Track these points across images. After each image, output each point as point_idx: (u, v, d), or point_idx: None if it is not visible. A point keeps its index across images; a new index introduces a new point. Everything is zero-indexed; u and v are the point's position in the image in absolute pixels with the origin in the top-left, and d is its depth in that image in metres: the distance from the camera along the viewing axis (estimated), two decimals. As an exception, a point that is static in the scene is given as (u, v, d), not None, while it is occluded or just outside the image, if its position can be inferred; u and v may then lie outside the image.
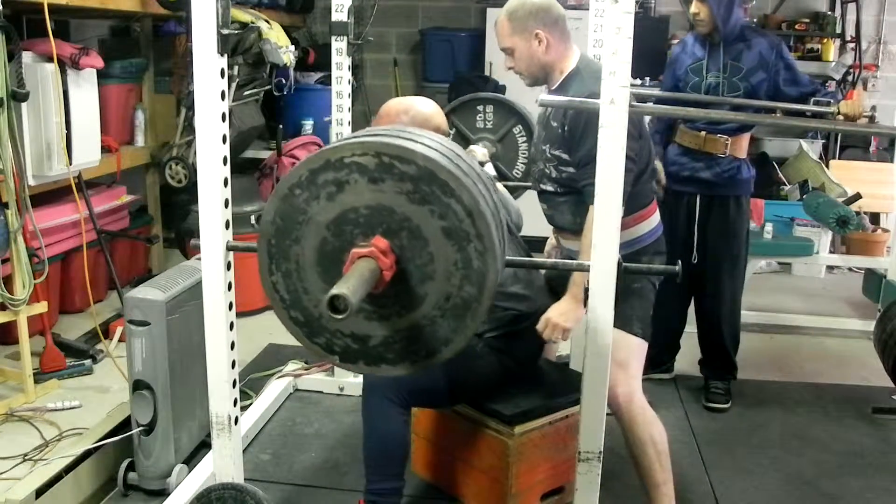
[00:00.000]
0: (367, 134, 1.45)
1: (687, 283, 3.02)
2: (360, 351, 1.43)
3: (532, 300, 2.34)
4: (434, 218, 1.32)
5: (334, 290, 1.19)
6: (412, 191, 1.31)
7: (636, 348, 2.25)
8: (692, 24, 3.10)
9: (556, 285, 2.37)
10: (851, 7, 5.48)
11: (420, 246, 1.33)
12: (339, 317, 1.19)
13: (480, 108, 2.94)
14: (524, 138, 2.93)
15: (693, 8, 3.02)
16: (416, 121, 2.22)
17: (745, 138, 3.14)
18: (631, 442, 2.23)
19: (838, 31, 5.53)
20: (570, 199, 2.25)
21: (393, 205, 1.33)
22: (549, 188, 2.29)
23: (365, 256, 1.31)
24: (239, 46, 3.99)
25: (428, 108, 2.30)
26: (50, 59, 3.03)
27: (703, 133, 3.11)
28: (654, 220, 2.35)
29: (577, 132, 2.15)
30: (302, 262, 1.40)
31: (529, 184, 2.55)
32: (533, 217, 2.56)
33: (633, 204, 2.17)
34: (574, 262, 1.90)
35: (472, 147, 2.84)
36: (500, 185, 2.63)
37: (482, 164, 2.71)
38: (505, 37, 2.23)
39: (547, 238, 2.63)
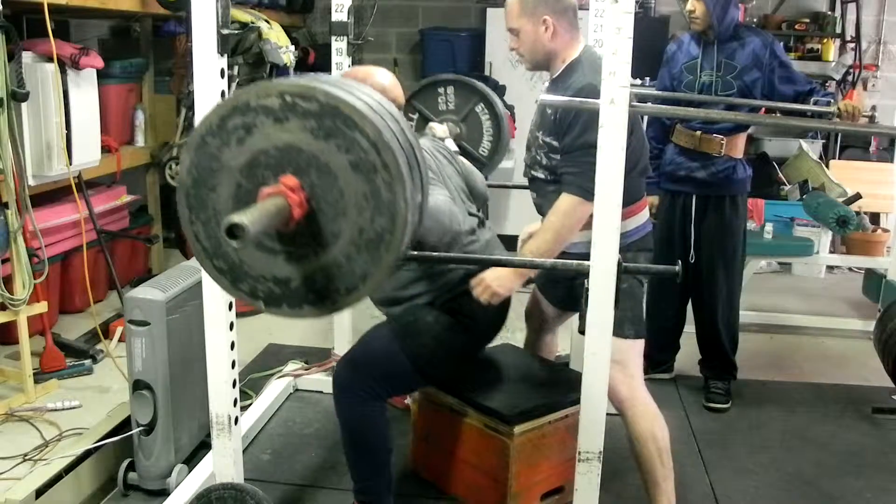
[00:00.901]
0: (276, 80, 1.47)
1: (684, 282, 3.03)
2: (282, 294, 1.44)
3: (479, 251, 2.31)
4: (340, 153, 1.33)
5: (232, 218, 1.20)
6: (316, 127, 1.33)
7: (631, 349, 2.25)
8: (688, 22, 3.10)
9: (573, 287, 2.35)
10: (851, 7, 5.49)
11: (329, 182, 1.35)
12: (235, 243, 1.21)
13: (441, 90, 2.93)
14: (487, 116, 2.91)
15: (689, 5, 3.02)
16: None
17: (740, 138, 3.14)
18: (633, 438, 2.24)
19: (838, 31, 5.53)
20: (559, 188, 2.24)
21: (300, 143, 1.34)
22: (540, 175, 2.29)
23: (273, 194, 1.33)
24: (239, 46, 3.99)
25: (386, 79, 2.28)
26: (50, 59, 3.03)
27: (699, 133, 3.11)
28: (643, 216, 2.35)
29: (567, 119, 2.15)
30: (219, 210, 1.41)
31: (528, 140, 2.52)
32: (517, 214, 2.54)
33: (624, 197, 2.16)
34: (574, 262, 1.89)
35: (431, 124, 2.83)
36: (462, 159, 2.61)
37: (441, 139, 2.70)
38: (513, 17, 2.23)
39: None
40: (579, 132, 2.11)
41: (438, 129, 2.79)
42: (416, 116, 2.93)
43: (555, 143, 2.21)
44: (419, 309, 2.26)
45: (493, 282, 2.15)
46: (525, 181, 2.45)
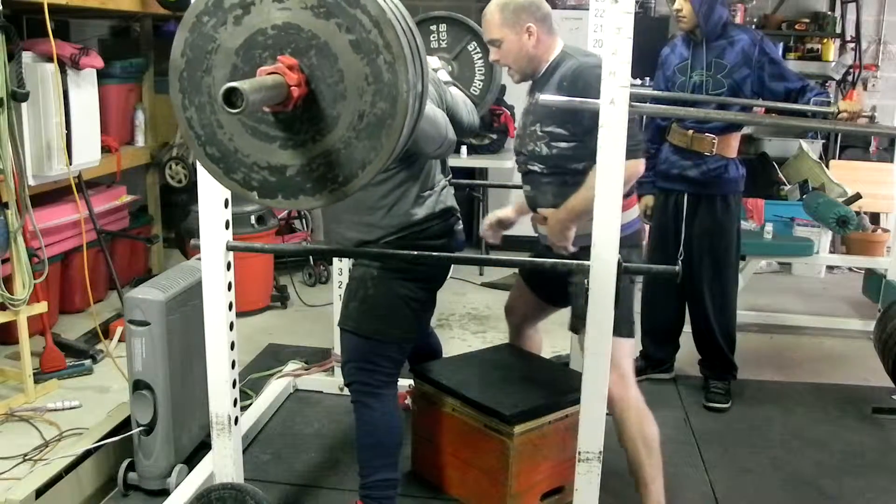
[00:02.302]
0: None
1: (681, 281, 3.03)
2: (277, 183, 1.39)
3: (430, 204, 2.26)
4: (341, 32, 1.29)
5: (231, 84, 1.16)
6: (317, 5, 1.29)
7: (623, 348, 2.26)
8: (675, 21, 3.11)
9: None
10: (851, 7, 5.49)
11: (329, 63, 1.30)
12: (234, 111, 1.16)
13: (434, 27, 2.90)
14: (479, 55, 2.88)
15: (676, 4, 3.03)
16: None
17: (733, 137, 3.14)
18: (623, 439, 2.24)
19: (838, 31, 5.54)
20: (555, 180, 2.26)
21: (300, 22, 1.30)
22: (536, 168, 2.30)
23: (270, 73, 1.28)
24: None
25: None
26: (50, 59, 3.04)
27: (691, 132, 3.12)
28: (633, 213, 2.36)
29: (576, 95, 2.14)
30: (214, 94, 1.35)
31: (515, 147, 2.52)
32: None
33: None
34: (574, 262, 1.89)
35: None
36: (453, 88, 2.60)
37: (435, 70, 2.69)
38: (495, 28, 2.23)
39: (536, 238, 2.54)
40: (593, 111, 2.10)
41: (431, 60, 2.77)
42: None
43: (559, 131, 2.21)
44: (370, 283, 2.21)
45: (557, 235, 2.19)
46: None
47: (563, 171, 2.24)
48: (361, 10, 1.27)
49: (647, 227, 3.04)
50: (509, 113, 5.05)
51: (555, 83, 2.22)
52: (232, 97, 1.16)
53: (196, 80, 1.37)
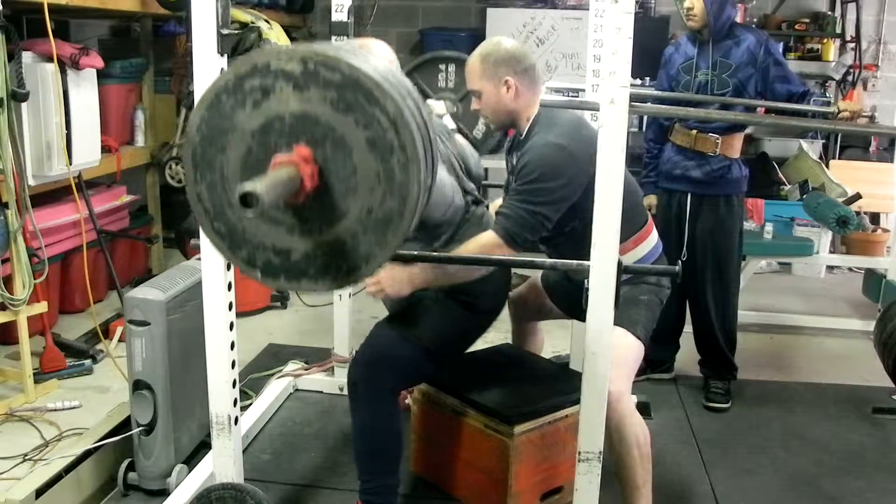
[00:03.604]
0: (299, 45, 1.43)
1: (682, 282, 3.04)
2: (281, 265, 1.40)
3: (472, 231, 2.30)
4: (358, 128, 1.29)
5: (246, 186, 1.17)
6: (337, 99, 1.29)
7: (636, 349, 2.26)
8: (685, 19, 3.10)
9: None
10: (851, 7, 5.49)
11: (343, 157, 1.31)
12: (249, 212, 1.17)
13: (443, 66, 2.92)
14: None
15: (687, 3, 3.02)
16: None
17: (736, 138, 3.15)
18: (616, 441, 2.22)
19: (838, 31, 5.53)
20: (549, 244, 2.31)
21: (318, 113, 1.30)
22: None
23: (285, 164, 1.29)
24: (239, 46, 3.98)
25: (383, 51, 2.30)
26: (50, 59, 3.03)
27: (695, 132, 3.12)
28: (653, 240, 2.37)
29: (519, 166, 2.18)
30: (227, 173, 1.37)
31: (485, 146, 2.54)
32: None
33: (628, 227, 2.16)
34: (574, 262, 1.90)
35: (429, 101, 2.82)
36: (459, 137, 2.61)
37: (440, 116, 2.70)
38: (475, 79, 2.25)
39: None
40: (529, 179, 2.13)
41: (437, 106, 2.78)
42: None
43: None
44: (419, 295, 2.25)
45: (387, 282, 2.16)
46: None
47: (560, 232, 2.25)
48: (380, 109, 1.28)
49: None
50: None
51: (525, 158, 2.20)
52: (247, 199, 1.17)
53: (209, 156, 1.38)
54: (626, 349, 2.19)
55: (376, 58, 1.42)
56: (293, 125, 1.32)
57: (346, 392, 2.30)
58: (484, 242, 2.15)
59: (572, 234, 2.23)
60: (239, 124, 1.35)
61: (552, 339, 3.24)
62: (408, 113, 1.29)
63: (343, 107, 1.29)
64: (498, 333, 2.72)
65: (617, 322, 1.86)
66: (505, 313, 2.56)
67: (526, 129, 2.26)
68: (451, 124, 2.74)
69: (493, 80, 2.21)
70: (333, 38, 2.91)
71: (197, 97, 1.86)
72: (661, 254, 2.41)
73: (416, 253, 2.09)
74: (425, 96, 2.90)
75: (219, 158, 1.37)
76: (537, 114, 2.25)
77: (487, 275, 2.25)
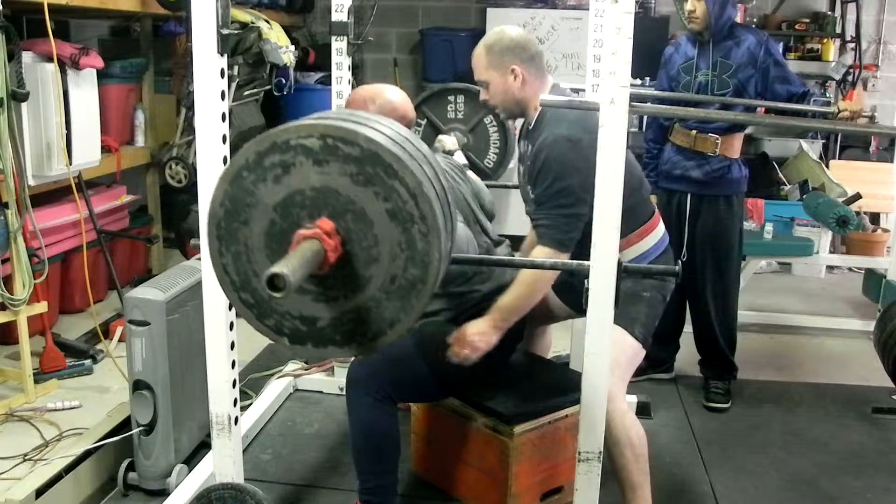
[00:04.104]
0: (315, 117, 1.46)
1: (682, 281, 3.04)
2: (308, 333, 1.44)
3: (495, 278, 2.32)
4: (378, 200, 1.33)
5: (273, 269, 1.20)
6: (356, 173, 1.32)
7: (631, 349, 2.25)
8: (685, 21, 3.11)
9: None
10: (851, 7, 5.49)
11: (365, 228, 1.34)
12: (278, 295, 1.20)
13: (452, 98, 2.94)
14: (495, 128, 2.92)
15: (689, 5, 3.02)
16: (383, 109, 2.23)
17: (736, 138, 3.15)
18: (609, 442, 2.21)
19: (838, 31, 5.53)
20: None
21: (338, 187, 1.34)
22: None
23: (309, 238, 1.32)
24: (239, 46, 3.99)
25: (396, 96, 2.31)
26: (50, 59, 3.03)
27: (694, 132, 3.12)
28: (659, 232, 2.36)
29: (535, 169, 2.17)
30: (250, 245, 1.40)
31: (520, 193, 2.54)
32: (518, 214, 2.56)
33: (632, 220, 2.17)
34: (574, 262, 1.90)
35: (441, 137, 2.83)
36: (471, 174, 2.62)
37: (451, 153, 2.70)
38: (481, 70, 2.25)
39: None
40: (550, 182, 2.13)
41: (448, 141, 2.79)
42: (423, 122, 2.93)
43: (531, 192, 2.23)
44: (443, 323, 2.26)
45: (475, 336, 2.16)
46: None
47: None
48: (399, 182, 1.31)
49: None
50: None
51: (534, 151, 2.20)
52: (276, 281, 1.20)
53: (233, 229, 1.41)
54: (621, 349, 2.18)
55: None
56: (315, 198, 1.35)
57: (344, 392, 2.30)
58: (540, 258, 2.14)
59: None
60: (261, 198, 1.38)
61: (552, 339, 3.23)
62: (427, 183, 1.32)
63: (363, 180, 1.33)
64: (498, 333, 2.74)
65: (615, 320, 1.86)
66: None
67: (535, 117, 2.26)
68: (463, 159, 2.75)
69: (499, 69, 2.21)
70: (333, 38, 2.91)
71: (198, 110, 1.87)
72: (668, 246, 2.39)
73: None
74: (436, 130, 2.92)
75: (242, 231, 1.41)
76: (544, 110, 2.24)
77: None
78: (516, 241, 2.86)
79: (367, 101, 2.28)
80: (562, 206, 2.11)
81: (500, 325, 2.18)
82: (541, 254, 2.14)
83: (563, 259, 2.11)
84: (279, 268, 1.20)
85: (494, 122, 2.92)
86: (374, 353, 1.46)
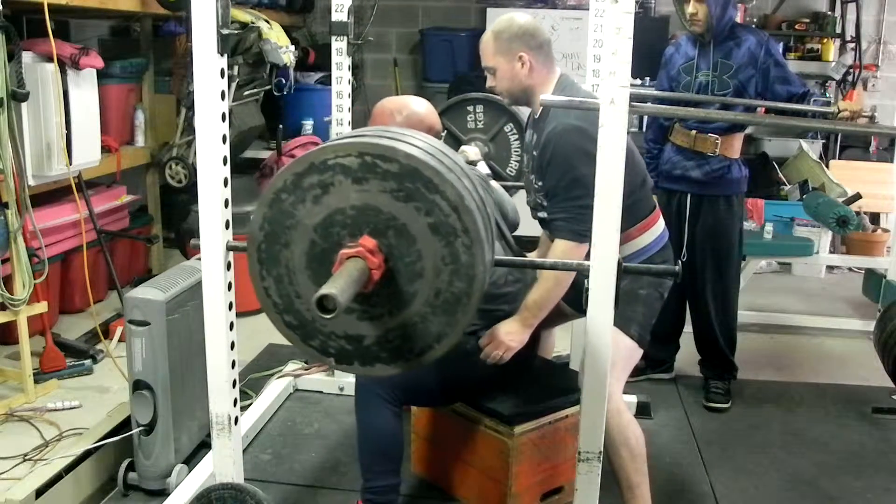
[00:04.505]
0: (351, 135, 1.46)
1: (682, 281, 3.04)
2: (354, 352, 1.43)
3: (523, 297, 2.31)
4: (420, 215, 1.32)
5: (322, 291, 1.20)
6: (396, 189, 1.32)
7: (627, 350, 2.25)
8: (686, 23, 3.10)
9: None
10: (851, 7, 5.49)
11: (408, 244, 1.34)
12: (328, 316, 1.20)
13: (471, 108, 2.94)
14: (516, 136, 2.93)
15: (691, 8, 3.02)
16: (410, 121, 2.23)
17: (736, 138, 3.15)
18: (606, 441, 2.21)
19: (838, 31, 5.53)
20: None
21: (378, 204, 1.33)
22: (543, 215, 2.30)
23: (353, 257, 1.31)
24: (239, 46, 3.99)
25: (421, 107, 2.31)
26: (50, 59, 3.03)
27: (694, 132, 3.12)
28: (659, 228, 2.35)
29: (545, 161, 2.16)
30: (292, 266, 1.40)
31: (523, 183, 2.54)
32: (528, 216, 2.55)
33: (632, 215, 2.17)
34: (574, 262, 1.89)
35: (463, 147, 2.84)
36: (494, 183, 2.62)
37: (474, 163, 2.70)
38: (489, 56, 2.24)
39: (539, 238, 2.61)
40: (560, 173, 2.12)
41: (471, 152, 2.79)
42: (444, 133, 2.93)
43: (541, 184, 2.22)
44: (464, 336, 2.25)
45: (506, 337, 2.18)
46: None
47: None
48: (441, 196, 1.31)
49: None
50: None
51: (542, 140, 2.20)
52: (325, 302, 1.20)
53: (274, 252, 1.41)
54: (617, 349, 2.16)
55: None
56: (355, 217, 1.35)
57: (346, 392, 2.31)
58: (560, 253, 2.13)
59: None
60: (301, 219, 1.38)
61: (554, 339, 3.24)
62: (468, 196, 1.32)
63: (403, 196, 1.32)
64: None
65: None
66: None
67: (541, 109, 2.25)
68: (486, 169, 2.75)
69: (506, 55, 2.20)
70: (333, 38, 2.91)
71: (198, 109, 1.86)
72: (668, 242, 2.39)
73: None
74: (457, 140, 2.92)
75: (283, 253, 1.40)
76: (552, 93, 2.23)
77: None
78: (526, 243, 2.87)
79: (393, 112, 2.28)
80: (577, 198, 2.08)
81: (531, 321, 2.19)
82: (560, 247, 2.13)
83: (583, 252, 2.10)
84: (328, 289, 1.20)
85: (514, 130, 2.92)
86: (422, 368, 1.44)
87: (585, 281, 1.79)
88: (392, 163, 1.31)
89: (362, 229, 1.34)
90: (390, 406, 2.21)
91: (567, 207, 2.12)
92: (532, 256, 2.61)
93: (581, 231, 2.09)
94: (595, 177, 2.05)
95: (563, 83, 2.27)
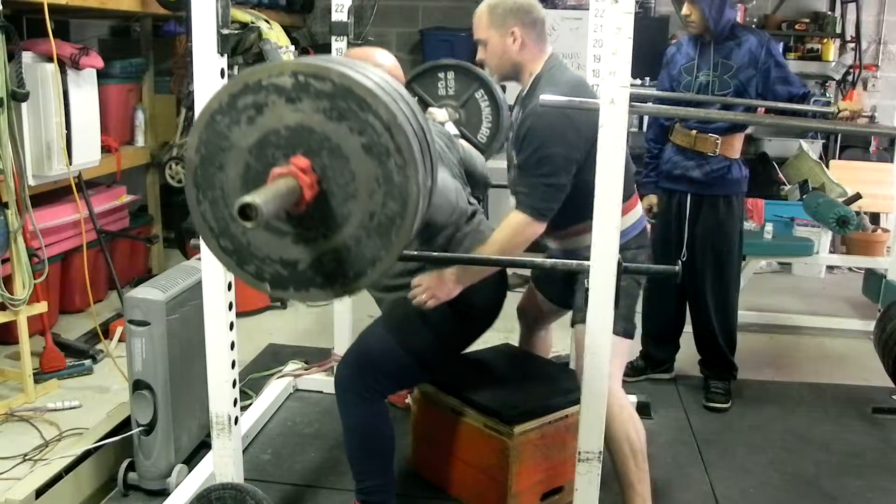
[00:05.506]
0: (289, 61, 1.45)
1: (682, 282, 3.04)
2: (289, 276, 1.42)
3: (463, 249, 2.29)
4: (353, 135, 1.31)
5: (245, 199, 1.19)
6: (329, 108, 1.31)
7: (615, 346, 2.24)
8: (684, 25, 3.11)
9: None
10: (851, 7, 5.49)
11: (341, 164, 1.33)
12: (249, 224, 1.19)
13: (442, 74, 2.92)
14: (487, 103, 2.90)
15: (684, 10, 3.03)
16: None
17: (736, 138, 3.15)
18: (607, 438, 2.22)
19: (838, 31, 5.54)
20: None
21: (312, 124, 1.32)
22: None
23: (284, 175, 1.31)
24: (239, 46, 3.98)
25: (387, 60, 2.29)
26: (50, 59, 3.04)
27: (695, 132, 3.12)
28: (637, 213, 2.35)
29: (521, 134, 2.16)
30: (227, 189, 1.39)
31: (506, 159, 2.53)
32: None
33: None
34: (574, 262, 1.90)
35: (431, 109, 2.82)
36: (463, 142, 2.60)
37: (442, 124, 2.69)
38: (482, 28, 2.24)
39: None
40: (533, 149, 2.12)
41: (438, 113, 2.78)
42: (415, 99, 2.92)
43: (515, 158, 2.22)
44: (412, 305, 2.24)
45: (434, 282, 2.14)
46: None
47: None
48: (373, 115, 1.30)
49: (649, 227, 3.05)
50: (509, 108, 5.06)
51: (522, 117, 2.19)
52: (247, 211, 1.18)
53: (209, 175, 1.40)
54: None
55: (371, 67, 1.43)
56: (289, 137, 1.34)
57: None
58: (514, 226, 2.13)
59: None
60: (236, 142, 1.37)
61: (552, 339, 3.24)
62: (401, 116, 1.31)
63: (336, 115, 1.31)
64: (498, 333, 2.71)
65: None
66: (505, 313, 2.56)
67: (529, 83, 2.25)
68: (454, 130, 2.74)
69: (499, 29, 2.20)
70: (333, 38, 2.91)
71: (198, 108, 1.87)
72: (645, 229, 2.39)
73: (436, 255, 2.10)
74: (425, 105, 2.91)
75: (218, 176, 1.39)
76: (540, 71, 2.23)
77: (481, 282, 2.22)
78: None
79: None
80: (543, 175, 2.09)
81: (464, 280, 2.16)
82: (515, 218, 2.13)
83: (537, 229, 2.11)
84: (251, 197, 1.19)
85: (486, 97, 2.90)
86: (356, 293, 1.43)
87: (585, 281, 1.79)
88: (325, 82, 1.30)
89: (296, 150, 1.33)
90: (372, 402, 2.20)
91: (533, 183, 2.11)
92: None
93: (540, 209, 2.09)
94: (566, 158, 2.06)
95: (551, 62, 2.26)
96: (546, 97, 2.16)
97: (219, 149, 1.38)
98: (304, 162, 1.32)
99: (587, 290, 1.79)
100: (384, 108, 1.29)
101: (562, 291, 2.45)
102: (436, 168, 1.45)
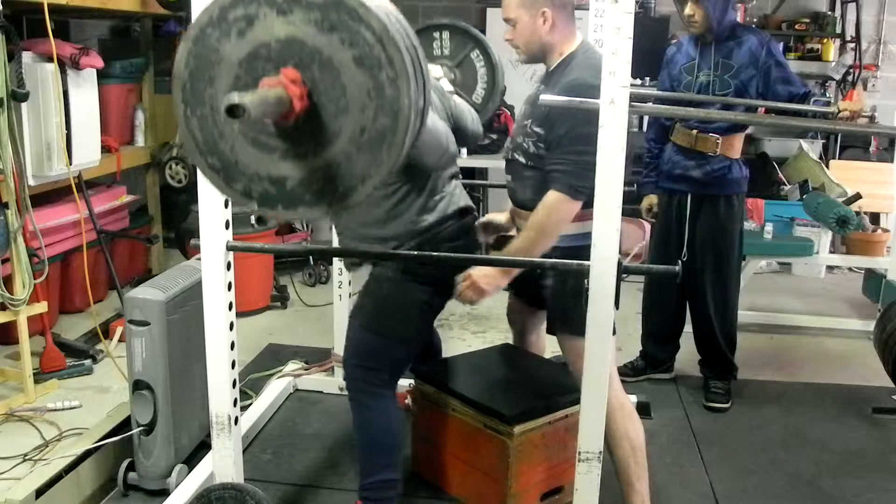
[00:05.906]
0: None
1: (682, 282, 3.04)
2: (277, 194, 1.40)
3: (439, 209, 2.28)
4: (344, 47, 1.29)
5: (233, 97, 1.17)
6: (321, 20, 1.29)
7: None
8: (686, 25, 3.11)
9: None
10: (851, 7, 5.49)
11: (332, 77, 1.31)
12: (235, 124, 1.20)
13: (437, 34, 2.89)
14: (482, 63, 2.88)
15: (688, 10, 3.02)
16: None
17: (737, 138, 3.15)
18: (606, 435, 2.21)
19: (838, 31, 5.54)
20: (536, 175, 2.21)
21: (303, 36, 1.31)
22: (521, 159, 2.25)
23: (273, 86, 1.29)
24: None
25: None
26: (50, 59, 3.03)
27: (695, 132, 3.12)
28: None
29: (557, 111, 2.13)
30: (216, 105, 1.37)
31: (486, 110, 2.52)
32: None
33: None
34: (574, 262, 1.89)
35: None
36: (457, 98, 2.59)
37: (437, 79, 2.68)
38: (512, 7, 2.21)
39: None
40: (570, 126, 2.09)
41: (433, 69, 2.77)
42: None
43: (543, 133, 2.18)
44: (396, 282, 2.24)
45: (482, 280, 2.13)
46: None
47: (542, 170, 2.20)
48: (365, 26, 1.28)
49: (648, 226, 3.05)
50: (509, 113, 5.05)
51: (557, 90, 2.17)
52: (234, 110, 1.17)
53: (199, 91, 1.38)
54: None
55: None
56: (280, 50, 1.32)
57: (346, 392, 2.31)
58: (550, 205, 2.09)
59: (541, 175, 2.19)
60: (226, 55, 1.34)
61: (551, 339, 3.24)
62: (393, 29, 1.29)
63: (328, 27, 1.29)
64: (498, 333, 2.72)
65: (573, 333, 1.89)
66: (499, 313, 2.55)
67: (556, 62, 2.23)
68: (448, 87, 2.72)
69: (530, 9, 2.17)
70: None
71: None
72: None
73: (436, 255, 2.10)
74: None
75: (208, 91, 1.37)
76: (573, 52, 2.21)
77: (444, 240, 2.23)
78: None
79: None
80: (580, 152, 2.03)
81: (511, 271, 2.16)
82: (552, 198, 2.09)
83: (573, 207, 2.07)
84: (239, 97, 1.17)
85: (481, 57, 2.87)
86: (345, 210, 1.42)
87: (585, 281, 1.79)
88: None
89: (287, 63, 1.32)
90: (384, 395, 2.23)
91: (569, 160, 2.08)
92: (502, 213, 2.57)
93: (577, 186, 2.06)
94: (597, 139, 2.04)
95: (584, 46, 2.25)
96: (545, 97, 2.16)
97: (209, 63, 1.36)
98: (294, 73, 1.31)
99: (569, 297, 1.79)
100: (376, 19, 1.27)
101: (534, 293, 2.42)
102: (428, 90, 1.42)
